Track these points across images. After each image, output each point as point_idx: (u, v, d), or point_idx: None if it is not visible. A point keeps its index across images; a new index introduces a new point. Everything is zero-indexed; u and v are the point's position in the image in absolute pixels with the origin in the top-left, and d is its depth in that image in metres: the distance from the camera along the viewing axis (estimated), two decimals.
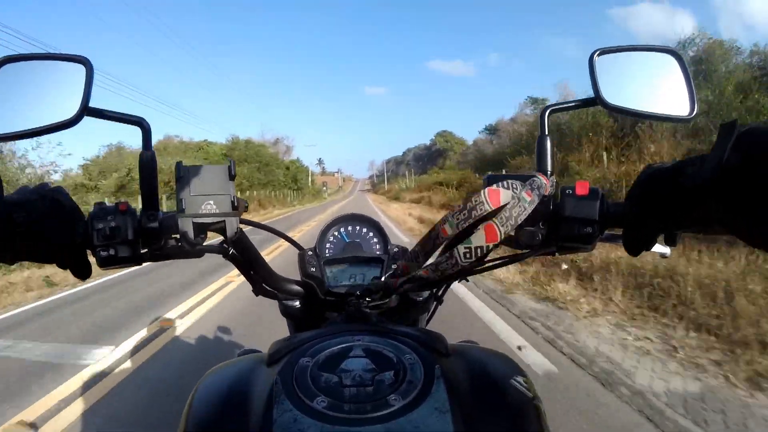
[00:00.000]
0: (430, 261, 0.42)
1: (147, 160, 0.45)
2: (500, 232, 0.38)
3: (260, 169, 29.11)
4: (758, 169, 0.28)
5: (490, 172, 0.47)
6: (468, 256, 0.38)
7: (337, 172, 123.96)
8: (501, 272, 4.11)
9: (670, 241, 0.41)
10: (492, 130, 34.01)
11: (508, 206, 0.39)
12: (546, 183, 0.42)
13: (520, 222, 0.39)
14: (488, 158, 24.64)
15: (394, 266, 0.57)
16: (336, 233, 0.70)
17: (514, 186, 0.41)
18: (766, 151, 0.28)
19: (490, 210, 0.40)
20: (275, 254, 5.91)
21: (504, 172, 0.48)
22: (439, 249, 0.43)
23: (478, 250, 0.38)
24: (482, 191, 0.40)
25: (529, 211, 0.39)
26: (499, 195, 0.40)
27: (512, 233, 0.46)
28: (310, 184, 45.36)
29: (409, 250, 0.45)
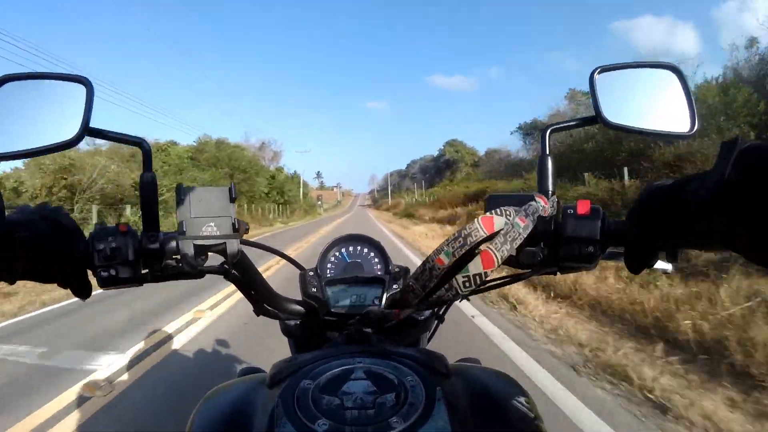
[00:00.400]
0: (431, 290, 0.42)
1: (147, 181, 0.45)
2: (497, 258, 0.38)
3: (234, 176, 23.91)
4: (760, 185, 0.28)
5: (491, 193, 0.47)
6: (467, 284, 0.38)
7: (336, 186, 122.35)
8: None
9: (671, 258, 0.41)
10: (528, 130, 26.89)
11: (502, 232, 0.39)
12: (545, 205, 0.42)
13: (515, 247, 0.39)
14: (524, 164, 18.91)
15: (394, 288, 0.57)
16: (337, 253, 0.70)
17: (508, 213, 0.41)
18: (765, 168, 0.28)
19: (484, 236, 0.40)
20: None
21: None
22: (435, 280, 0.43)
23: (477, 278, 0.38)
24: (476, 219, 0.40)
25: (525, 236, 0.39)
26: (492, 221, 0.40)
27: (512, 254, 0.46)
28: (301, 197, 39.28)
29: (405, 282, 0.44)
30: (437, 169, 56.62)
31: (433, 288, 0.41)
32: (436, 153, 59.91)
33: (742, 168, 0.29)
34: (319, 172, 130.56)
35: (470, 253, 0.39)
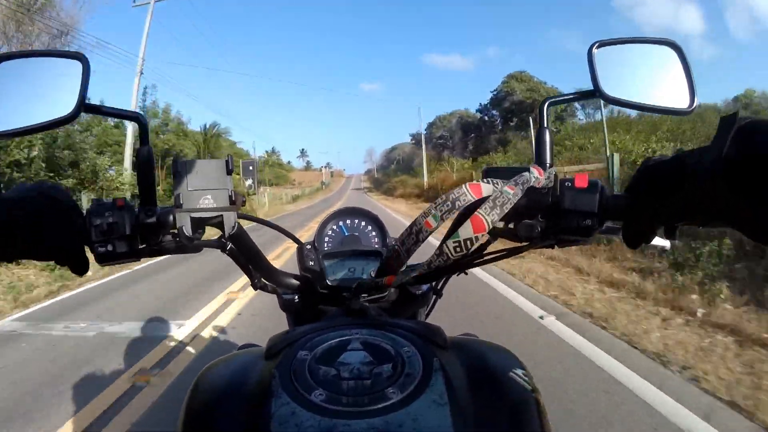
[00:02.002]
0: (425, 260, 0.42)
1: (144, 156, 0.45)
2: (487, 221, 0.38)
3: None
4: (758, 161, 0.28)
5: (486, 165, 0.47)
6: (458, 249, 0.38)
7: (325, 167, 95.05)
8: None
9: (669, 234, 0.41)
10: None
11: (491, 197, 0.39)
12: (539, 176, 0.42)
13: (505, 212, 0.39)
14: None
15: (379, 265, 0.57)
16: (335, 227, 0.70)
17: (496, 182, 0.41)
18: (765, 144, 0.28)
19: (472, 200, 0.40)
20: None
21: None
22: (422, 242, 0.43)
23: (467, 242, 0.38)
24: (463, 185, 0.40)
25: (514, 202, 0.39)
26: (480, 187, 0.40)
27: (510, 225, 0.46)
28: (255, 182, 21.18)
29: (390, 245, 0.44)
30: (488, 125, 32.06)
31: (428, 260, 0.41)
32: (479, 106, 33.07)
33: (740, 144, 0.29)
34: (303, 149, 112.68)
35: (461, 220, 0.39)
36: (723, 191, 0.30)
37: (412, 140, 47.45)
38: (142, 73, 11.95)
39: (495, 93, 31.42)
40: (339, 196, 38.73)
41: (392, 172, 49.49)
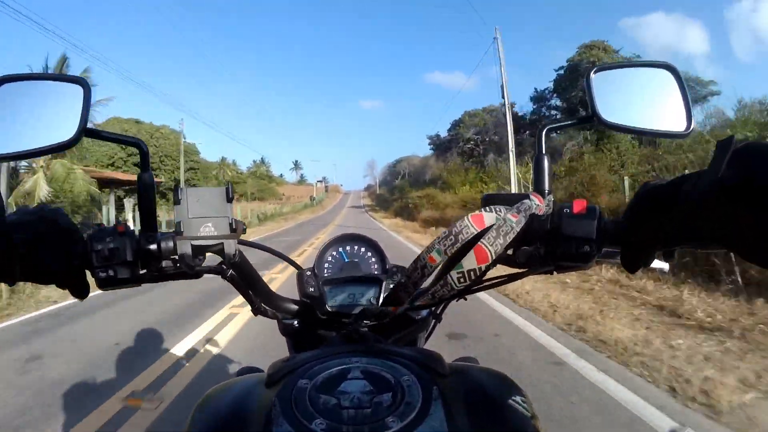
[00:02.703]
0: (426, 287, 0.42)
1: (146, 182, 0.46)
2: (490, 252, 0.38)
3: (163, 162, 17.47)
4: (754, 185, 0.28)
5: (485, 193, 0.47)
6: (462, 280, 0.38)
7: (321, 181, 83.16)
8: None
9: (668, 257, 0.41)
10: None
11: (494, 227, 0.39)
12: (540, 203, 0.42)
13: (509, 241, 0.39)
14: None
15: (392, 287, 0.57)
16: (334, 253, 0.70)
17: (498, 210, 0.41)
18: (761, 167, 0.28)
19: (475, 233, 0.40)
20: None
21: None
22: (430, 278, 0.43)
23: (471, 273, 0.38)
24: (465, 217, 0.40)
25: (517, 231, 0.39)
26: (482, 218, 0.40)
27: (509, 252, 0.46)
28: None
29: (397, 279, 0.45)
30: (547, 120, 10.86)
31: (430, 286, 0.41)
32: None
33: (736, 166, 0.29)
34: (296, 161, 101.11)
35: (464, 249, 0.39)
36: (720, 214, 0.30)
37: (430, 145, 33.77)
38: None
39: (564, 71, 21.12)
40: (330, 217, 26.06)
41: (402, 185, 35.86)
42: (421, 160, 43.55)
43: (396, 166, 60.56)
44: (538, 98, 24.77)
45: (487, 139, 25.77)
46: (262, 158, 72.91)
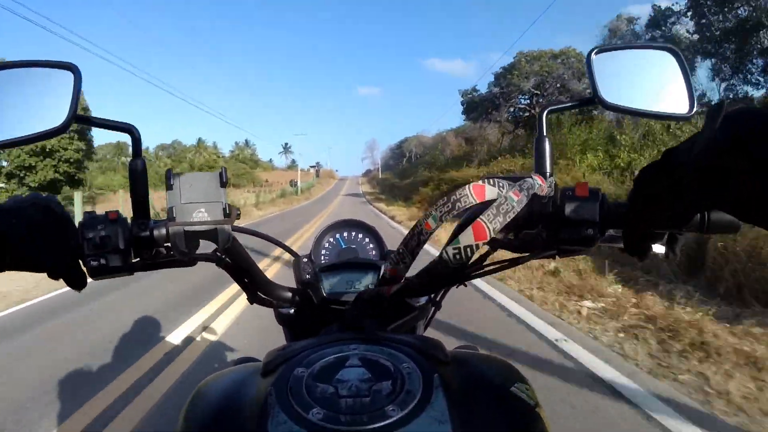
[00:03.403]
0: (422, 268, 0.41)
1: (137, 168, 0.45)
2: (489, 229, 0.37)
3: None
4: (743, 143, 0.28)
5: (487, 174, 0.46)
6: (458, 257, 0.37)
7: (315, 166, 71.99)
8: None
9: (671, 248, 0.41)
10: None
11: (494, 203, 0.38)
12: (542, 184, 0.41)
13: (508, 220, 0.38)
14: None
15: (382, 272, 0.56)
16: (331, 239, 0.69)
17: (501, 185, 0.40)
18: (752, 131, 0.28)
19: (474, 203, 0.39)
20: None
21: None
22: (424, 244, 0.42)
23: (468, 250, 0.37)
24: (467, 185, 0.39)
25: (518, 210, 0.38)
26: (483, 189, 0.39)
27: (510, 236, 0.45)
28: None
29: (395, 250, 0.44)
30: None
31: (428, 268, 0.40)
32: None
33: (728, 130, 0.29)
34: (286, 144, 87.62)
35: (462, 227, 0.38)
36: (717, 178, 0.30)
37: (463, 103, 19.84)
38: None
39: None
40: (316, 209, 19.19)
41: (437, 158, 24.91)
42: (433, 138, 35.82)
43: (401, 147, 53.46)
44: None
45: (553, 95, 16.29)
46: (246, 141, 67.04)
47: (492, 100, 18.27)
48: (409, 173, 28.50)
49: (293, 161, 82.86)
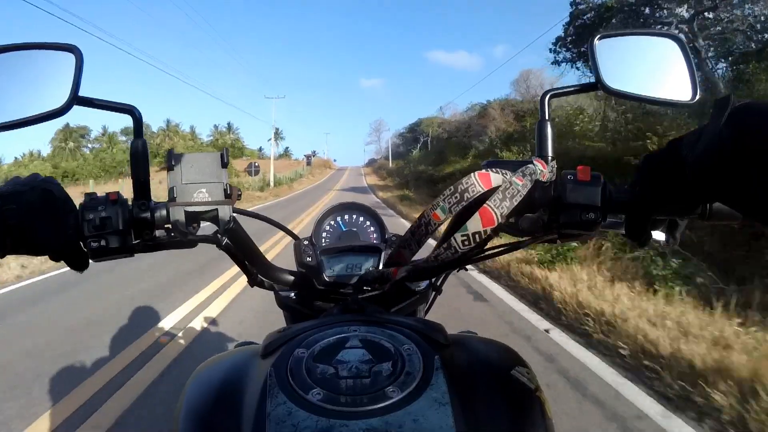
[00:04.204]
0: (430, 253, 0.41)
1: (138, 149, 0.45)
2: (496, 215, 0.37)
3: None
4: (750, 139, 0.28)
5: (489, 159, 0.46)
6: (466, 243, 0.37)
7: (311, 155, 58.29)
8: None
9: (672, 235, 0.41)
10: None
11: (500, 189, 0.38)
12: (544, 168, 0.41)
13: (515, 204, 0.38)
14: None
15: (389, 254, 0.56)
16: (332, 222, 0.69)
17: (504, 172, 0.40)
18: (758, 128, 0.28)
19: (482, 191, 0.39)
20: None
21: None
22: (431, 235, 0.42)
23: (476, 236, 0.37)
24: (472, 174, 0.39)
25: (524, 194, 0.38)
26: (489, 177, 0.39)
27: (511, 219, 0.45)
28: None
29: (401, 237, 0.43)
30: None
31: (433, 250, 0.40)
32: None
33: (734, 124, 0.29)
34: (277, 130, 64.85)
35: (469, 212, 0.38)
36: (721, 172, 0.30)
37: (558, 46, 13.13)
38: None
39: None
40: (302, 204, 15.40)
41: (429, 160, 22.75)
42: (460, 118, 27.00)
43: (416, 129, 43.37)
44: None
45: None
46: (228, 124, 56.09)
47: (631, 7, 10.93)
48: (444, 158, 21.18)
49: (286, 150, 73.84)
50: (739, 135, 0.29)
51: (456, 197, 0.39)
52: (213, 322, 3.11)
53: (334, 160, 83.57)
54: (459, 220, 0.39)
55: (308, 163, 51.99)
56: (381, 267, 0.57)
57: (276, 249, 5.63)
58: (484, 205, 0.37)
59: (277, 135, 69.64)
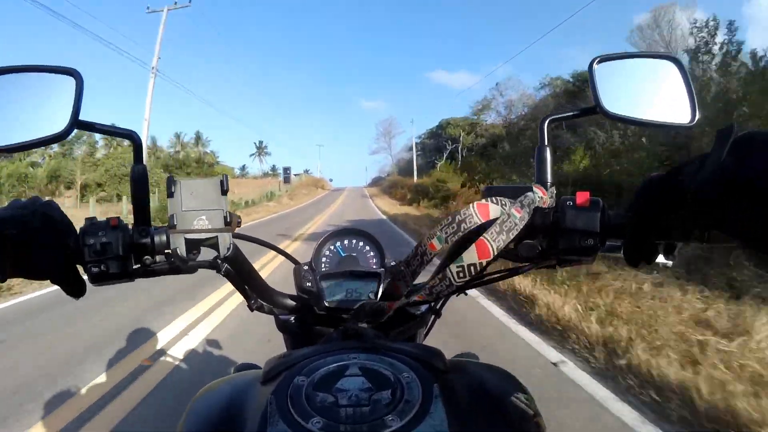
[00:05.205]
0: (424, 282, 0.41)
1: (139, 174, 0.45)
2: (492, 248, 0.37)
3: None
4: (753, 172, 0.28)
5: (488, 184, 0.46)
6: (461, 275, 0.37)
7: (288, 169, 40.33)
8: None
9: (667, 254, 0.41)
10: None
11: (498, 221, 0.38)
12: (543, 195, 0.41)
13: (512, 237, 0.38)
14: None
15: (384, 287, 0.56)
16: (332, 247, 0.69)
17: (503, 203, 0.40)
18: (762, 156, 0.28)
19: (479, 222, 0.39)
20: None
21: None
22: (426, 265, 0.42)
23: (471, 268, 0.37)
24: (471, 205, 0.39)
25: (521, 227, 0.38)
26: (487, 208, 0.39)
27: (510, 245, 0.45)
28: None
29: (396, 267, 0.44)
30: None
31: (428, 280, 0.40)
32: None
33: (737, 155, 0.29)
34: (261, 143, 61.59)
35: (465, 243, 0.38)
36: (721, 202, 0.30)
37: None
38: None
39: None
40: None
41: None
42: (529, 102, 20.11)
43: (441, 132, 32.48)
44: None
45: None
46: (196, 134, 44.76)
47: None
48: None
49: (274, 167, 61.11)
50: (742, 166, 0.29)
51: (453, 227, 0.39)
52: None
53: (330, 180, 71.60)
54: (455, 250, 0.39)
55: (286, 181, 35.79)
56: (379, 296, 0.57)
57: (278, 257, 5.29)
58: (481, 237, 0.37)
59: (262, 150, 60.63)
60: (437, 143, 33.36)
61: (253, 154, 62.47)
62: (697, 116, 0.50)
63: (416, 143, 38.14)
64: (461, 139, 29.78)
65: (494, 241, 0.37)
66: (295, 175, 47.97)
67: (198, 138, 45.51)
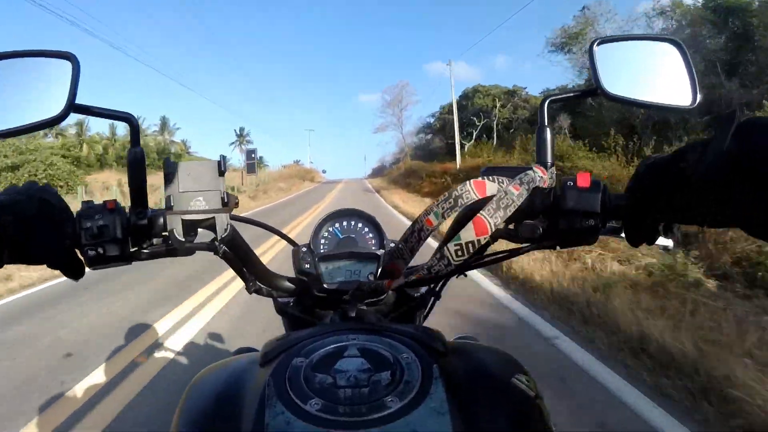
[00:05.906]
0: (424, 263, 0.41)
1: (135, 157, 0.44)
2: (489, 224, 0.37)
3: None
4: (757, 158, 0.29)
5: (487, 165, 0.46)
6: (459, 253, 0.37)
7: (252, 153, 23.16)
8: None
9: (666, 233, 0.41)
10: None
11: (495, 198, 0.38)
12: (543, 175, 0.41)
13: (509, 214, 0.38)
14: None
15: (382, 266, 0.56)
16: (330, 228, 0.68)
17: (501, 180, 0.40)
18: (764, 141, 0.29)
19: (476, 198, 0.39)
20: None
21: None
22: (424, 241, 0.42)
23: (469, 246, 0.37)
24: (467, 181, 0.39)
25: (518, 204, 0.38)
26: (484, 186, 0.39)
27: (510, 226, 0.45)
28: None
29: (394, 245, 0.43)
30: None
31: (428, 261, 0.40)
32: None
33: (741, 140, 0.29)
34: (241, 130, 51.48)
35: (462, 221, 0.37)
36: (726, 187, 0.30)
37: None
38: None
39: None
40: None
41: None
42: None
43: (468, 102, 24.43)
44: None
45: None
46: (163, 118, 36.37)
47: None
48: None
49: (261, 159, 50.54)
50: (746, 151, 0.29)
51: (450, 203, 0.39)
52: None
53: (323, 171, 62.30)
54: (451, 231, 0.39)
55: (250, 170, 24.38)
56: (377, 277, 0.57)
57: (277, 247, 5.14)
58: (478, 214, 0.37)
59: (242, 139, 50.60)
60: (461, 117, 22.90)
61: (233, 143, 50.93)
62: (698, 98, 0.49)
63: (424, 122, 29.64)
64: (495, 112, 22.66)
65: (491, 218, 0.37)
66: (283, 166, 41.04)
67: (164, 124, 36.58)
